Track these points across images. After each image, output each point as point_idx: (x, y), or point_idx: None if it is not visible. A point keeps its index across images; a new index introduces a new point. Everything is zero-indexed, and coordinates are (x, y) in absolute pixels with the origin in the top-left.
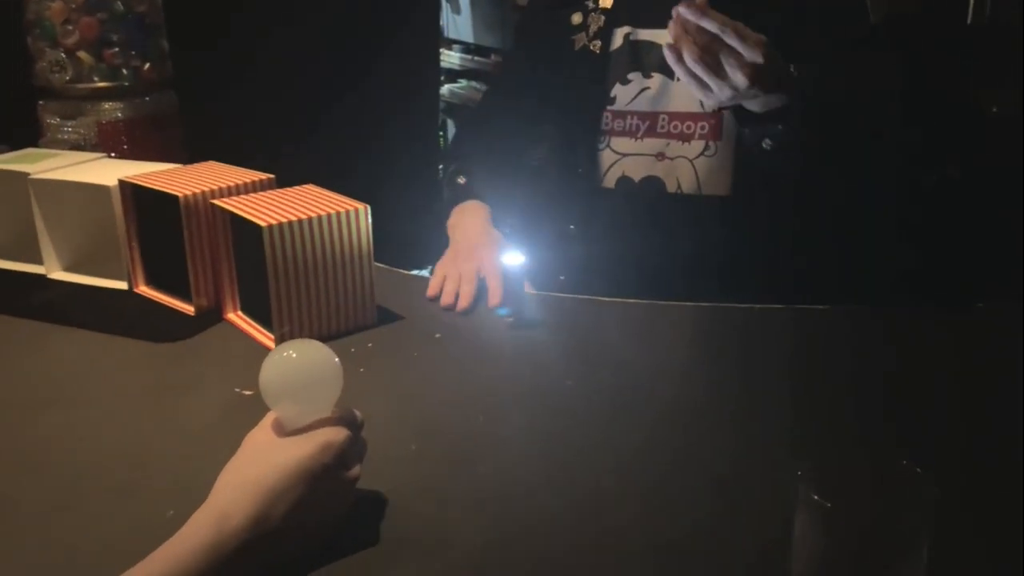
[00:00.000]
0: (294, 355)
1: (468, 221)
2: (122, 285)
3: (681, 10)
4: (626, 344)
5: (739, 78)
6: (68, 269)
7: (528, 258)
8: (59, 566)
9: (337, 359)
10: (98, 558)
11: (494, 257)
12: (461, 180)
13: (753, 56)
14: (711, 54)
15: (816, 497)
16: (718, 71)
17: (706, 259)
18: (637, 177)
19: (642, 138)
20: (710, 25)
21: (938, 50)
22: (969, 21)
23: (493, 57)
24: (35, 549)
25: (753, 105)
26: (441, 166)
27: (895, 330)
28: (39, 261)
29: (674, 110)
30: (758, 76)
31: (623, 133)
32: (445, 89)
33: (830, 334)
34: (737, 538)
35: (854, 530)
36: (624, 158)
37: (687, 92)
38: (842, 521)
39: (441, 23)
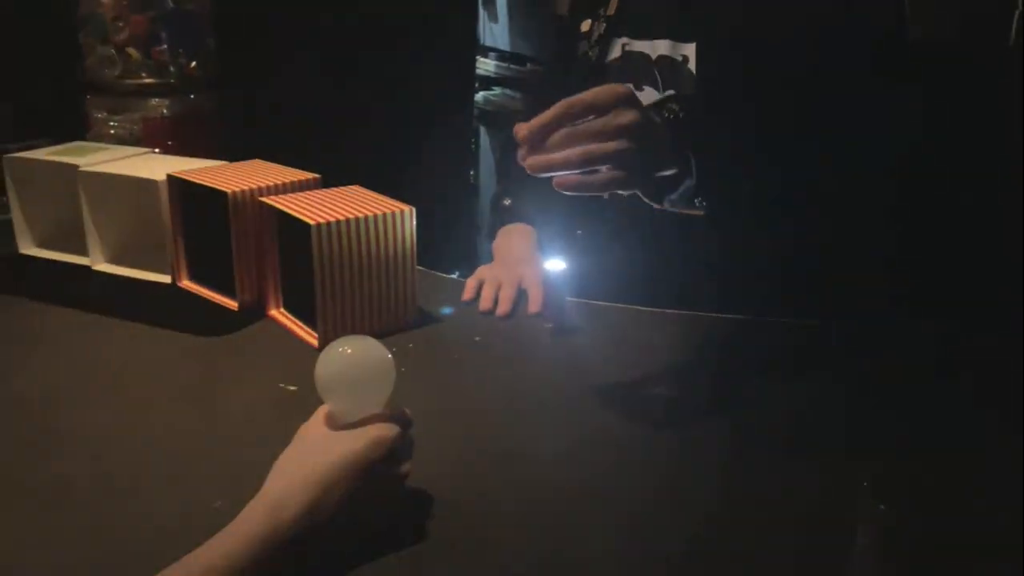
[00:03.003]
0: (349, 351)
1: (513, 241)
2: (165, 279)
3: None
4: (666, 353)
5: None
6: (112, 261)
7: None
8: (110, 552)
9: (391, 356)
10: (149, 545)
11: (536, 271)
12: (506, 202)
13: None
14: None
15: (882, 507)
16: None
17: (691, 272)
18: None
19: None
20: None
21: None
22: (1011, 42)
23: (529, 65)
24: (87, 535)
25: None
26: (472, 172)
27: (887, 342)
28: (84, 252)
29: None
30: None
31: None
32: (480, 96)
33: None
34: (785, 551)
35: (917, 539)
36: None
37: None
38: (906, 531)
39: (477, 30)
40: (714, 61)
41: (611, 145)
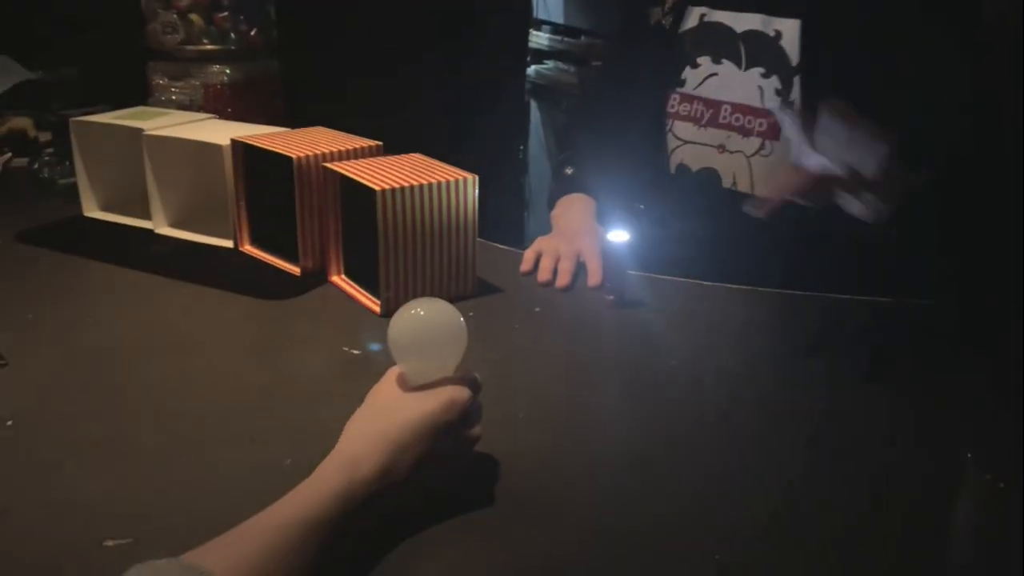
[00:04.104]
0: (423, 313)
1: (573, 213)
2: (228, 243)
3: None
4: (730, 327)
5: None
6: (176, 225)
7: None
8: (181, 506)
9: (463, 320)
10: (218, 501)
11: (595, 243)
12: (569, 171)
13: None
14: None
15: (989, 476)
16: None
17: (758, 259)
18: (695, 167)
19: (705, 126)
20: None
21: None
22: None
23: (583, 38)
24: (155, 491)
25: None
26: (522, 147)
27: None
28: (147, 216)
29: (738, 101)
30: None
31: (687, 118)
32: (532, 70)
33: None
34: (879, 523)
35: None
36: (684, 145)
37: (750, 83)
38: (1013, 500)
39: (531, 3)
40: (822, 37)
41: None
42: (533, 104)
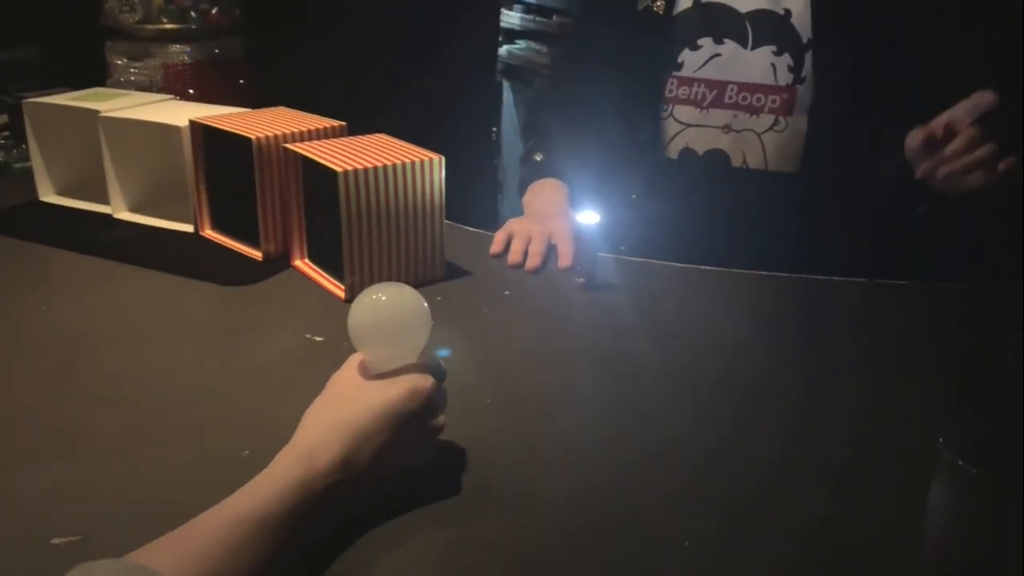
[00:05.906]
0: (385, 298)
1: (545, 197)
2: (188, 228)
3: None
4: (701, 309)
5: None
6: (134, 210)
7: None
8: (137, 499)
9: (427, 305)
10: (176, 493)
11: (567, 225)
12: (538, 157)
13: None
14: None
15: (960, 462)
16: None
17: (770, 237)
18: (701, 149)
19: (708, 108)
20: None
21: None
22: None
23: (555, 18)
24: (114, 483)
25: None
26: (494, 128)
27: (968, 308)
28: (105, 200)
29: (744, 80)
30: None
31: (687, 102)
32: (503, 50)
33: (904, 309)
34: (800, 498)
35: (997, 495)
36: (687, 129)
37: (760, 62)
38: (986, 487)
39: None
40: (832, 14)
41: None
42: (505, 84)
